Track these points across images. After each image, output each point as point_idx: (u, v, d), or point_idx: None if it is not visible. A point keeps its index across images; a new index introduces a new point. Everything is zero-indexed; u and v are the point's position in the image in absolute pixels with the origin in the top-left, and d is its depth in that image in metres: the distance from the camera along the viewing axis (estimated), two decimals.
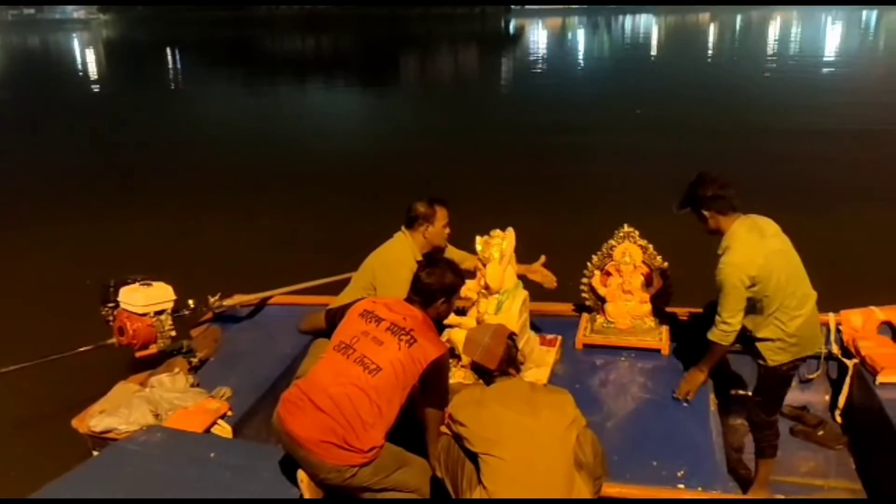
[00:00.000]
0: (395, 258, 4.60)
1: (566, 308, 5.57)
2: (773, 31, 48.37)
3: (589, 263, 5.24)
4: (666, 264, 5.10)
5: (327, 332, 3.65)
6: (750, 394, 4.37)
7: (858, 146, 13.61)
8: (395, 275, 4.36)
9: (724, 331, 4.05)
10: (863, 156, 12.93)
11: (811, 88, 22.03)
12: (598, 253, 5.21)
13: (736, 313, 3.97)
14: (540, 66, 32.77)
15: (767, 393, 4.18)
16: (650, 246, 5.09)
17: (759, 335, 4.04)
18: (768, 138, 14.30)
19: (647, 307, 5.12)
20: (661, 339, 5.06)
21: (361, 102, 23.58)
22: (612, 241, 5.15)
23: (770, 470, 4.27)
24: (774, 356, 4.04)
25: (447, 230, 4.83)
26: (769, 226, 4.04)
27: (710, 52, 38.42)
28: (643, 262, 5.11)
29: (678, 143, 14.26)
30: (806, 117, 16.47)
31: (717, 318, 4.06)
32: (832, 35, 44.27)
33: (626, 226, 5.13)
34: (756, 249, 3.89)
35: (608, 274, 5.20)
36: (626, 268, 5.10)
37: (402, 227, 4.80)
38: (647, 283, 5.12)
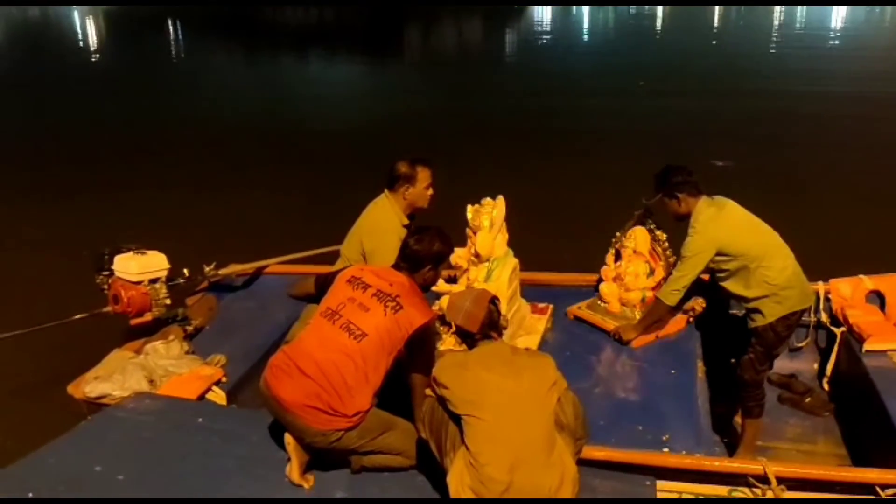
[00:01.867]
0: (381, 226, 4.48)
1: (560, 278, 5.57)
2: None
3: (613, 238, 5.15)
4: (673, 258, 4.82)
5: (317, 298, 3.66)
6: (740, 361, 4.39)
7: (851, 119, 13.57)
8: (383, 242, 4.30)
9: (672, 291, 4.46)
10: (855, 128, 12.94)
11: (816, 61, 21.80)
12: (621, 231, 5.10)
13: (688, 277, 4.38)
14: (544, 38, 32.52)
15: (760, 351, 4.27)
16: (663, 235, 4.94)
17: (752, 295, 4.23)
18: (767, 112, 14.23)
19: (637, 295, 4.95)
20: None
21: (364, 74, 23.38)
22: (631, 221, 5.04)
23: (757, 431, 4.34)
24: (770, 311, 4.20)
25: (430, 192, 4.61)
26: (727, 201, 4.41)
27: (715, 24, 37.99)
28: (649, 251, 4.97)
29: (680, 116, 14.29)
30: (805, 91, 16.38)
31: (671, 277, 4.48)
32: (838, 8, 43.71)
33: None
34: (718, 218, 4.28)
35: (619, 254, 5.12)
36: (625, 251, 5.03)
37: (385, 189, 4.63)
38: (650, 272, 4.99)
